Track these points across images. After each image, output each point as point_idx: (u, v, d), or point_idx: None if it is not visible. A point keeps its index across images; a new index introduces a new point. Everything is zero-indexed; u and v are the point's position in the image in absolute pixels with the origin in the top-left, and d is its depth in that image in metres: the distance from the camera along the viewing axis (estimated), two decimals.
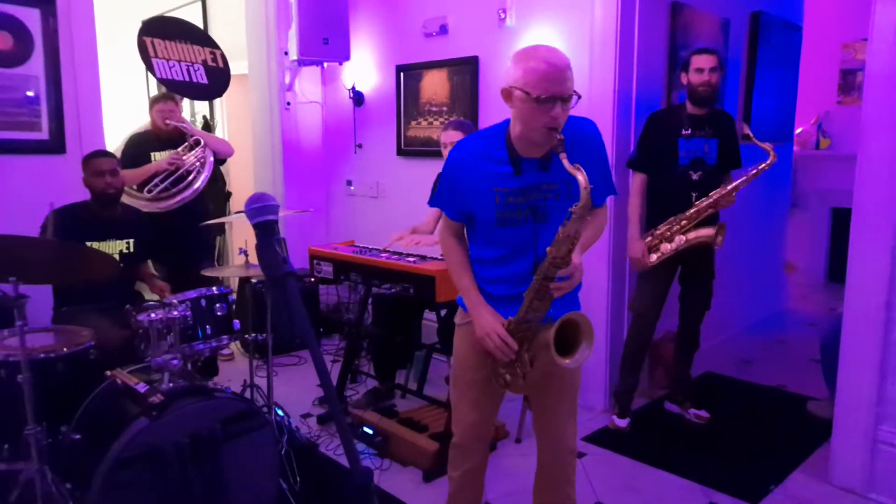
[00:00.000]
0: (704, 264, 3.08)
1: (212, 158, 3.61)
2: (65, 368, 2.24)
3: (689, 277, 3.13)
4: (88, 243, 2.84)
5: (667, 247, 2.94)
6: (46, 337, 2.40)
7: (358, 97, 4.43)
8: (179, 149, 3.54)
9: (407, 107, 4.15)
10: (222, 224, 4.71)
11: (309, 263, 3.21)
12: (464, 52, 3.77)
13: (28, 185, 3.20)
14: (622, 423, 3.11)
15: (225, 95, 4.19)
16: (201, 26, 5.22)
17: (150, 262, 3.23)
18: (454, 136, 3.00)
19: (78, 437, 2.12)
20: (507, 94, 1.60)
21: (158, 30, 3.61)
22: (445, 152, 3.06)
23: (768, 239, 4.86)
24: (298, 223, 4.49)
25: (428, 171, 3.45)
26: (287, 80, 4.46)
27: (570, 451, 1.92)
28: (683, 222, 2.92)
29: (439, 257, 2.89)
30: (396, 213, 4.14)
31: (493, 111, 3.68)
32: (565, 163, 1.49)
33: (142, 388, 2.10)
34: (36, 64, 3.23)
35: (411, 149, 4.17)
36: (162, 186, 3.47)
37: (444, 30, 3.86)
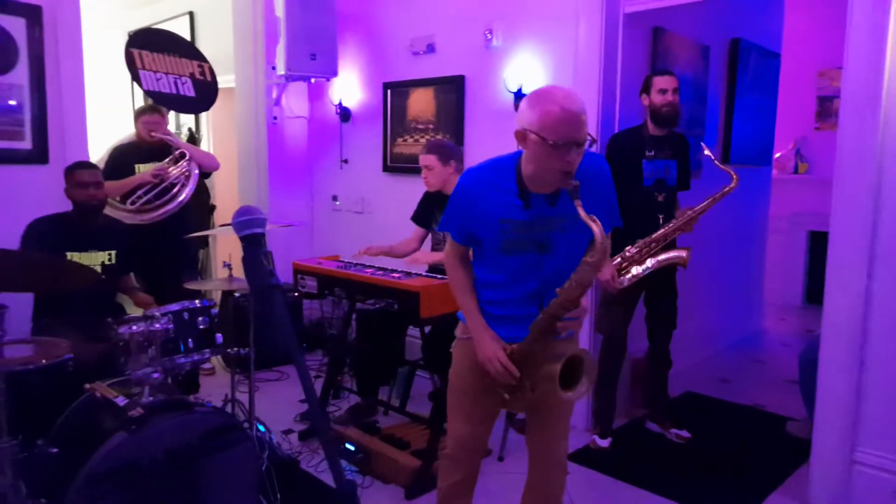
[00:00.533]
0: (669, 285, 3.11)
1: (197, 171, 3.60)
2: (42, 380, 2.20)
3: (654, 299, 3.15)
4: (69, 254, 2.81)
5: (637, 269, 2.93)
6: (24, 348, 2.35)
7: (345, 113, 4.45)
8: (164, 161, 3.53)
9: (393, 124, 4.18)
10: (206, 237, 4.67)
11: (293, 278, 3.19)
12: (450, 71, 3.82)
13: (9, 194, 3.16)
14: (603, 442, 3.12)
15: (211, 109, 4.19)
16: (189, 39, 5.22)
17: (132, 275, 3.20)
18: (429, 159, 3.03)
19: (55, 450, 2.07)
20: (521, 137, 1.60)
21: (146, 42, 3.61)
22: (423, 173, 3.08)
23: (747, 260, 4.93)
24: (283, 237, 4.48)
25: (414, 188, 3.47)
26: (274, 95, 4.48)
27: (562, 468, 1.94)
28: (653, 245, 2.93)
29: (424, 273, 2.90)
30: (381, 229, 4.14)
31: (478, 130, 3.73)
32: (581, 213, 1.50)
33: (121, 401, 2.07)
34: (20, 73, 3.21)
35: (397, 165, 4.19)
36: (145, 199, 3.45)
37: (431, 49, 3.91)
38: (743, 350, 4.76)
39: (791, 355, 4.17)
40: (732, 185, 2.89)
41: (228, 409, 2.71)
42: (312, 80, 4.59)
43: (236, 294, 3.58)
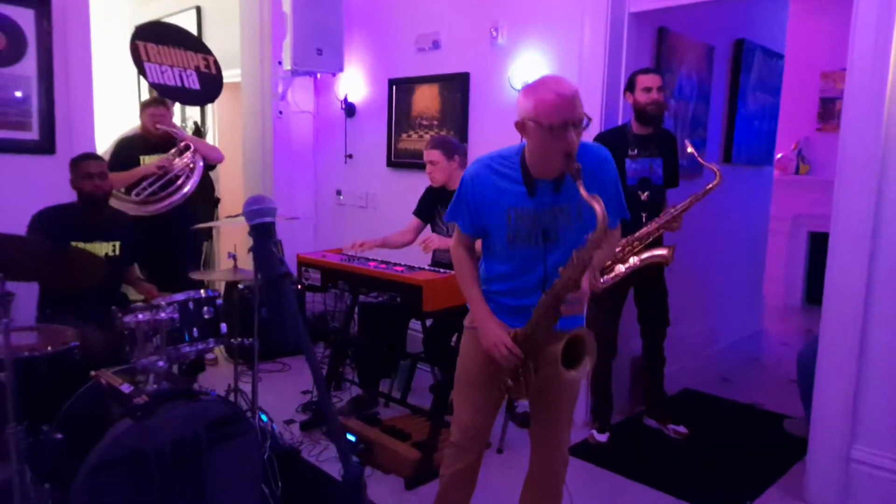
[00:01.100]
0: (657, 284, 3.12)
1: (201, 164, 3.62)
2: (48, 368, 2.23)
3: (644, 298, 3.17)
4: (74, 245, 2.83)
5: (620, 268, 2.95)
6: (31, 336, 2.39)
7: (350, 108, 4.47)
8: (169, 153, 3.55)
9: (398, 119, 4.20)
10: (209, 230, 4.70)
11: (297, 271, 3.22)
12: (455, 68, 3.84)
13: (16, 184, 3.19)
14: (601, 437, 3.15)
15: (217, 102, 4.21)
16: (195, 33, 5.24)
17: (136, 265, 3.22)
18: (434, 154, 3.06)
19: (60, 437, 2.10)
20: (521, 127, 1.68)
21: (152, 34, 3.63)
22: (428, 168, 3.10)
23: (747, 260, 4.95)
24: (287, 231, 4.49)
25: (417, 184, 3.49)
26: (280, 90, 4.49)
27: (564, 461, 1.97)
28: (636, 243, 2.95)
29: (427, 268, 2.93)
30: (385, 224, 4.16)
31: (482, 127, 3.75)
32: (582, 192, 1.54)
33: (126, 389, 2.09)
34: (29, 64, 3.24)
35: (401, 161, 4.21)
36: (150, 190, 3.47)
37: (436, 45, 3.93)
38: (743, 350, 4.78)
39: (791, 356, 4.20)
40: (716, 182, 2.90)
41: (231, 399, 2.73)
42: (318, 76, 4.62)
43: (240, 286, 3.61)
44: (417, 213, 3.31)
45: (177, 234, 3.53)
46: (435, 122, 3.99)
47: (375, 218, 4.39)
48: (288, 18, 4.02)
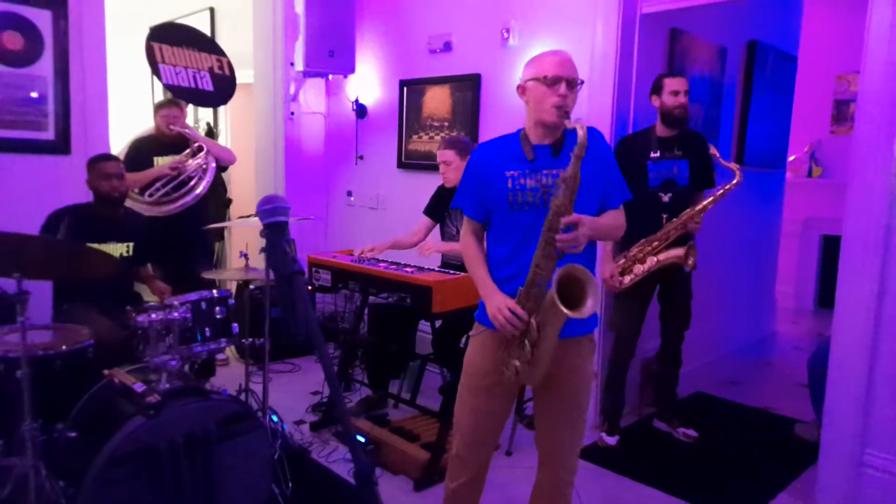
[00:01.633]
0: (681, 284, 3.12)
1: (214, 165, 3.65)
2: (63, 366, 2.26)
3: (668, 297, 3.16)
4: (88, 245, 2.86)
5: (639, 268, 2.96)
6: (46, 334, 2.42)
7: (361, 109, 4.49)
8: (182, 154, 3.58)
9: (409, 121, 4.21)
10: (221, 230, 4.73)
11: (308, 271, 3.24)
12: (467, 70, 3.84)
13: (31, 183, 3.22)
14: (611, 440, 3.14)
15: (229, 103, 4.24)
16: (209, 34, 5.28)
17: (149, 265, 3.25)
18: (447, 154, 3.07)
19: (73, 434, 2.13)
20: (521, 90, 1.83)
21: (166, 36, 3.67)
22: (441, 169, 3.12)
23: (759, 263, 4.92)
24: (298, 231, 4.52)
25: (428, 185, 3.50)
26: (292, 91, 4.52)
27: (571, 470, 1.92)
28: (655, 244, 2.95)
29: (437, 269, 2.93)
30: (395, 225, 4.18)
31: (493, 128, 3.75)
32: (567, 123, 1.68)
33: (139, 387, 2.12)
34: (45, 64, 3.27)
35: (412, 162, 4.22)
36: (164, 191, 3.50)
37: (447, 47, 3.94)
38: (754, 353, 4.75)
39: (802, 359, 4.16)
40: (735, 181, 2.91)
41: (242, 398, 2.75)
42: (330, 77, 4.64)
43: (251, 287, 3.63)
44: (428, 211, 3.32)
45: (190, 234, 3.56)
46: (446, 124, 4.00)
47: (386, 219, 4.41)
48: (300, 20, 4.05)
